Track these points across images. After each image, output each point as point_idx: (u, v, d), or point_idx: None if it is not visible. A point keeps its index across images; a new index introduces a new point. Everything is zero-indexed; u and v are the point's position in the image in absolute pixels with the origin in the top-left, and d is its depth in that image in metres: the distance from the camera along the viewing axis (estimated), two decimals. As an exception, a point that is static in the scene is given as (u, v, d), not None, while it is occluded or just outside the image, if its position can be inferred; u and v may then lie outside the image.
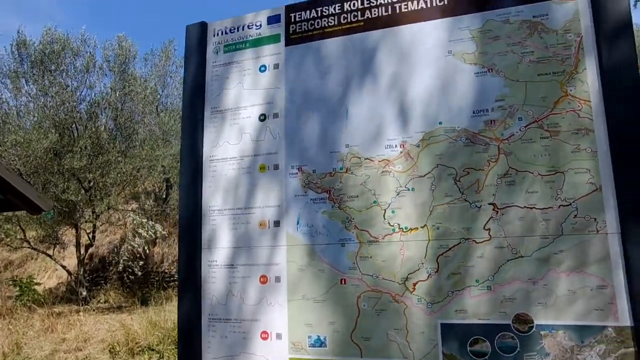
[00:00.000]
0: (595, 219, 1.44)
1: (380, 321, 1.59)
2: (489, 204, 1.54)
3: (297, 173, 1.78)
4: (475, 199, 1.56)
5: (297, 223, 1.74)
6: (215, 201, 1.88)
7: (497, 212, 1.53)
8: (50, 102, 9.56)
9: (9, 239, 11.45)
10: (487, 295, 1.50)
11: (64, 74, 10.00)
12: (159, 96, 12.44)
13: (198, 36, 2.05)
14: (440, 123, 1.63)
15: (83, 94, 10.15)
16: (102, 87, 10.33)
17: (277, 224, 1.78)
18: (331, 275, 1.67)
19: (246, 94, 1.92)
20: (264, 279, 1.76)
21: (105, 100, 9.90)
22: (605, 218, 1.44)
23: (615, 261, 1.41)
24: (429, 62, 1.68)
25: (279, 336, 1.71)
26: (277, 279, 1.74)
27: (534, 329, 1.45)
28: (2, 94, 10.30)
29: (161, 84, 13.32)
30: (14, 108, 10.20)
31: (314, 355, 1.66)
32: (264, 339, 1.73)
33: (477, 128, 1.59)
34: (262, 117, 1.87)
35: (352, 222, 1.67)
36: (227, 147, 1.91)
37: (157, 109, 12.22)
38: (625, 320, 1.39)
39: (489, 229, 1.53)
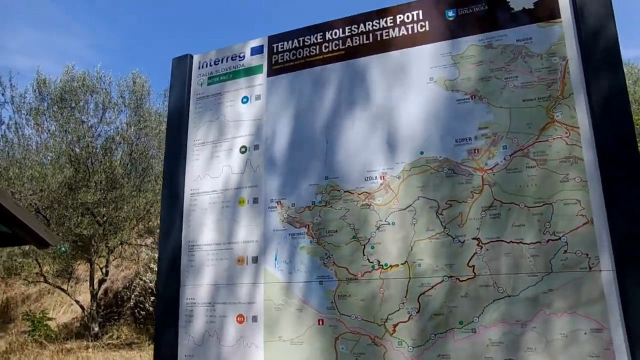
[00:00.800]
0: (587, 255, 1.33)
1: (359, 366, 1.48)
2: (473, 238, 1.44)
3: (276, 207, 1.71)
4: (459, 233, 1.46)
5: (275, 259, 1.66)
6: (195, 236, 1.82)
7: (482, 247, 1.42)
8: (68, 137, 9.77)
9: (25, 273, 11.54)
10: (472, 339, 1.38)
11: (82, 110, 10.25)
12: (175, 131, 12.62)
13: (183, 69, 2.03)
14: (421, 153, 1.55)
15: (99, 129, 10.37)
16: (118, 123, 10.55)
17: (255, 260, 1.70)
18: (309, 315, 1.57)
19: (228, 125, 1.88)
20: (240, 319, 1.67)
21: (121, 136, 10.08)
22: (598, 253, 1.32)
23: (610, 301, 1.29)
24: (411, 90, 1.62)
25: (255, 381, 1.60)
26: (254, 319, 1.65)
27: (523, 376, 1.31)
28: (24, 131, 10.60)
29: (178, 119, 13.54)
30: (34, 144, 10.46)
31: (291, 402, 1.54)
32: (240, 383, 1.62)
33: (460, 157, 1.51)
34: (243, 149, 1.82)
35: (330, 259, 1.58)
36: (208, 180, 1.85)
37: (172, 143, 12.37)
38: (625, 368, 1.25)
39: (473, 266, 1.42)
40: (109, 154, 9.86)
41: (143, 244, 11.47)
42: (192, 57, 2.05)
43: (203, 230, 1.81)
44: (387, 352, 1.45)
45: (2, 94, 10.36)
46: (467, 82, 1.56)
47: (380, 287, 1.50)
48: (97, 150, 9.89)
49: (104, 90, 10.29)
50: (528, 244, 1.38)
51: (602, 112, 1.38)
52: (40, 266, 11.28)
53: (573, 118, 1.42)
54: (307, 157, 1.71)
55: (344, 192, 1.62)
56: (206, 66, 2.01)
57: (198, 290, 1.76)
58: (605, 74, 1.40)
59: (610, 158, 1.35)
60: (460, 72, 1.57)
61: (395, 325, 1.46)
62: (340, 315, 1.53)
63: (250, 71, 1.90)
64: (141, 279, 10.04)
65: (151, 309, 9.99)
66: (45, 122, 10.80)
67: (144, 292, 10.24)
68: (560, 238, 1.36)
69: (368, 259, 1.53)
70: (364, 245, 1.55)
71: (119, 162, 10.00)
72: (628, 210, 1.31)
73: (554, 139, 1.42)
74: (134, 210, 9.80)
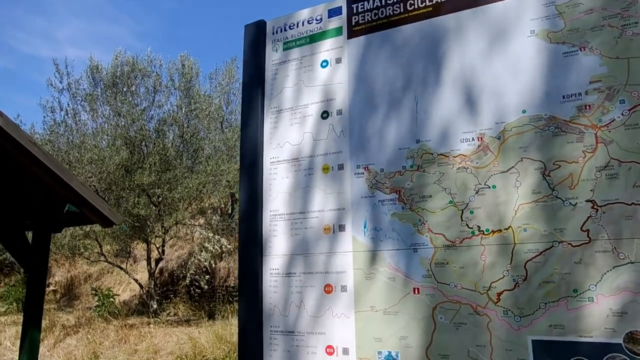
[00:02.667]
0: None
1: (459, 336, 1.41)
2: (587, 201, 1.32)
3: (363, 173, 1.64)
4: (569, 195, 1.34)
5: (364, 227, 1.60)
6: (277, 205, 1.78)
7: (597, 210, 1.31)
8: (122, 121, 10.07)
9: (87, 253, 12.12)
10: (590, 308, 1.28)
11: (134, 94, 10.52)
12: (223, 113, 12.79)
13: (256, 35, 1.98)
14: (524, 112, 1.44)
15: (151, 112, 10.62)
16: (169, 106, 10.78)
17: (342, 228, 1.64)
18: (403, 284, 1.51)
19: (307, 91, 1.82)
20: (329, 289, 1.63)
21: (172, 118, 10.29)
22: None
23: None
24: (509, 45, 1.50)
25: (345, 351, 1.57)
26: (343, 288, 1.60)
27: (651, 349, 1.21)
28: (81, 116, 11.03)
29: (225, 101, 13.70)
30: (91, 128, 10.86)
31: (385, 372, 1.50)
32: (330, 354, 1.59)
33: (568, 115, 1.39)
34: (325, 115, 1.76)
35: (425, 225, 1.51)
36: (288, 148, 1.81)
37: (221, 125, 12.56)
38: None
39: (587, 230, 1.31)
40: (161, 136, 10.11)
41: (197, 224, 11.77)
42: (265, 22, 2.00)
43: (285, 199, 1.77)
44: (492, 321, 1.37)
45: (60, 82, 10.76)
46: (574, 34, 1.42)
47: (481, 253, 1.42)
48: (150, 133, 10.14)
49: (154, 73, 10.50)
50: (653, 205, 1.26)
51: None
52: (100, 246, 11.81)
53: None
54: (395, 120, 1.63)
55: (438, 155, 1.53)
56: (280, 31, 1.95)
57: (282, 260, 1.73)
58: None
59: None
60: (566, 23, 1.44)
61: (499, 294, 1.38)
62: (437, 283, 1.46)
63: (328, 34, 1.83)
64: (196, 258, 10.33)
65: (206, 287, 10.28)
66: (100, 107, 11.18)
67: (198, 271, 10.53)
68: (691, 198, 1.23)
69: (467, 225, 1.45)
70: (462, 211, 1.47)
71: (171, 144, 10.24)
72: None
73: (681, 89, 1.28)
74: (187, 191, 10.04)
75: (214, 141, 11.65)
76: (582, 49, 1.41)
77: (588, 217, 1.32)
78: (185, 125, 10.53)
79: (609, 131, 1.33)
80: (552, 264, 1.34)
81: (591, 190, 1.33)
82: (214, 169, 10.55)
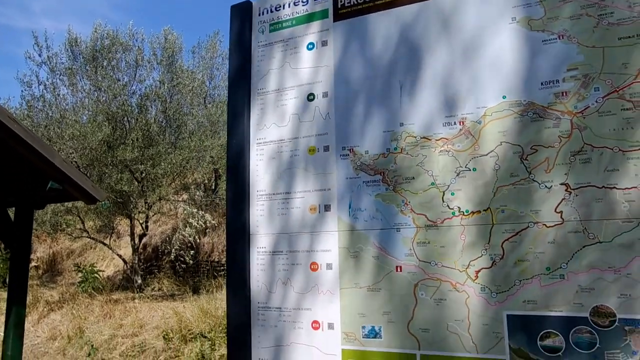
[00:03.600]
0: (688, 200, 1.27)
1: (439, 311, 1.49)
2: (561, 184, 1.39)
3: (348, 154, 1.69)
4: (545, 178, 1.41)
5: (349, 207, 1.66)
6: (263, 185, 1.82)
7: (571, 193, 1.38)
8: (103, 96, 9.90)
9: (69, 229, 12.04)
10: (560, 285, 1.36)
11: (115, 68, 10.32)
12: (206, 88, 12.64)
13: (242, 16, 1.98)
14: (504, 97, 1.49)
15: (133, 87, 10.45)
16: (151, 81, 10.61)
17: (327, 208, 1.69)
18: (386, 262, 1.58)
19: (293, 73, 1.84)
20: (314, 266, 1.69)
21: (155, 93, 10.14)
22: (700, 198, 1.26)
23: None
24: (491, 32, 1.54)
25: (330, 326, 1.64)
26: (329, 266, 1.66)
27: (616, 323, 1.30)
28: (60, 91, 10.79)
29: (208, 76, 13.53)
30: (70, 104, 10.65)
31: (368, 346, 1.57)
32: (315, 329, 1.66)
33: (546, 101, 1.44)
34: (311, 97, 1.79)
35: (407, 206, 1.57)
36: (274, 130, 1.84)
37: (205, 100, 12.43)
38: None
39: (561, 212, 1.38)
40: (143, 112, 9.98)
41: (180, 199, 11.75)
42: (251, 4, 2.00)
43: (272, 180, 1.81)
44: (469, 298, 1.45)
45: (39, 55, 10.48)
46: (553, 22, 1.47)
47: (461, 233, 1.48)
48: (133, 109, 10.00)
49: (136, 47, 10.29)
50: (622, 189, 1.33)
51: None
52: (83, 222, 11.73)
53: (676, 55, 1.33)
54: (379, 104, 1.66)
55: (421, 138, 1.58)
56: (267, 12, 1.96)
57: (269, 239, 1.78)
58: None
59: None
60: (547, 11, 1.48)
61: (477, 272, 1.45)
62: (419, 262, 1.53)
63: (314, 16, 1.84)
64: (180, 234, 10.35)
65: (191, 262, 10.34)
66: (80, 82, 10.95)
67: (183, 246, 10.57)
68: (658, 182, 1.30)
69: (448, 206, 1.51)
70: (443, 192, 1.53)
71: (153, 119, 10.12)
72: None
73: (653, 78, 1.34)
74: (171, 167, 9.99)
75: (197, 117, 11.54)
76: (561, 37, 1.45)
77: (562, 200, 1.39)
78: (168, 100, 10.40)
79: (584, 117, 1.39)
80: (528, 243, 1.41)
81: (565, 173, 1.39)
82: (197, 144, 10.49)
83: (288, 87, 1.84)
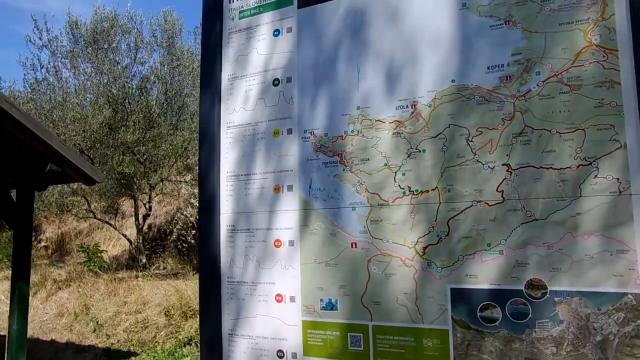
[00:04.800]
0: (618, 179, 1.34)
1: (389, 285, 1.58)
2: (503, 164, 1.47)
3: (309, 137, 1.77)
4: (489, 159, 1.48)
5: (310, 187, 1.74)
6: (232, 167, 1.91)
7: (511, 173, 1.45)
8: (104, 79, 9.98)
9: (75, 210, 12.26)
10: (499, 260, 1.44)
11: (115, 51, 10.37)
12: (207, 69, 12.62)
13: (214, 4, 2.04)
14: (452, 81, 1.56)
15: (134, 69, 10.51)
16: (152, 63, 10.66)
17: (290, 188, 1.78)
18: (342, 239, 1.67)
19: (261, 59, 1.91)
20: (278, 243, 1.78)
21: (155, 75, 10.20)
22: (629, 178, 1.33)
23: (639, 224, 1.31)
24: (442, 17, 1.59)
25: (292, 299, 1.74)
26: (291, 243, 1.76)
27: (547, 295, 1.38)
28: (62, 74, 10.88)
29: (210, 57, 13.49)
30: (73, 87, 10.74)
31: (326, 318, 1.68)
32: (279, 301, 1.76)
33: (491, 85, 1.50)
34: (276, 82, 1.86)
35: (363, 186, 1.65)
36: (242, 114, 1.92)
37: (206, 82, 12.43)
38: (648, 286, 1.29)
39: (502, 191, 1.46)
40: (144, 94, 10.06)
41: (182, 180, 11.90)
42: (223, -10, 2.05)
43: (240, 161, 1.90)
44: (417, 272, 1.54)
45: (40, 38, 10.55)
46: (500, 7, 1.52)
47: (411, 212, 1.57)
48: (133, 91, 10.08)
49: (135, 30, 10.31)
50: (558, 169, 1.40)
51: (643, 33, 1.33)
52: (88, 203, 11.94)
53: (612, 41, 1.38)
54: (339, 88, 1.73)
55: (376, 121, 1.66)
56: (236, 0, 2.01)
57: (237, 217, 1.88)
58: (649, -8, 1.34)
59: (648, 81, 1.33)
60: (495, -4, 1.53)
61: (425, 248, 1.54)
62: (372, 239, 1.61)
63: (280, 3, 1.90)
64: (182, 214, 10.52)
65: (192, 241, 10.53)
66: (81, 64, 11.02)
67: (185, 226, 10.75)
68: (591, 163, 1.37)
69: (399, 186, 1.59)
70: (395, 173, 1.60)
71: (154, 101, 10.20)
72: (663, 134, 1.30)
73: (590, 63, 1.40)
74: (172, 148, 10.11)
75: (198, 98, 11.59)
76: (507, 23, 1.51)
77: (503, 179, 1.46)
78: (169, 82, 10.46)
79: (525, 100, 1.46)
80: (471, 221, 1.49)
81: (507, 154, 1.46)
82: (198, 126, 10.55)
83: (255, 73, 1.91)
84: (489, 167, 1.48)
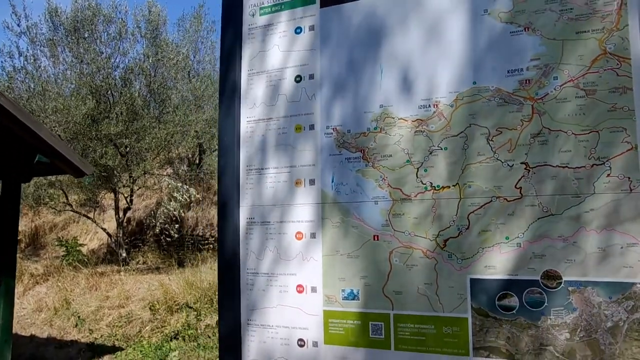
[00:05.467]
0: (629, 178, 1.45)
1: (411, 276, 1.66)
2: (521, 163, 1.56)
3: (332, 133, 1.83)
4: (508, 157, 1.58)
5: (332, 181, 1.81)
6: (253, 161, 1.96)
7: (529, 171, 1.55)
8: (86, 69, 9.79)
9: (53, 202, 12.01)
10: (517, 252, 1.54)
11: (98, 41, 10.18)
12: (191, 62, 12.54)
13: (233, 0, 2.08)
14: (474, 83, 1.64)
15: (117, 60, 10.34)
16: (135, 54, 10.51)
17: (312, 182, 1.84)
18: (364, 231, 1.74)
19: (282, 56, 1.96)
20: (299, 235, 1.84)
21: (139, 67, 10.06)
22: (639, 177, 1.44)
23: (647, 219, 1.42)
24: (465, 22, 1.68)
25: (313, 289, 1.80)
26: (313, 235, 1.82)
27: (562, 285, 1.49)
28: (41, 62, 10.62)
29: (193, 49, 13.37)
30: (52, 76, 10.50)
31: (347, 307, 1.75)
32: (300, 292, 1.82)
33: (511, 87, 1.60)
34: (298, 79, 1.92)
35: (385, 181, 1.72)
36: (263, 108, 1.97)
37: (189, 74, 12.35)
38: (655, 277, 1.41)
39: (520, 188, 1.55)
40: (128, 86, 9.92)
41: (165, 173, 11.79)
42: (242, -13, 2.09)
43: (261, 155, 1.95)
44: (438, 264, 1.63)
45: (18, 25, 10.27)
46: (521, 15, 1.61)
47: (432, 206, 1.65)
48: (117, 82, 9.92)
49: (120, 19, 10.15)
50: (573, 168, 1.50)
51: (654, 44, 1.44)
52: (66, 196, 11.71)
53: (626, 50, 1.49)
54: (361, 86, 1.80)
55: (398, 119, 1.73)
56: (257, -4, 2.06)
57: (258, 210, 1.93)
58: (660, 5, 1.45)
59: (658, 88, 1.44)
60: (515, 5, 1.62)
61: (445, 241, 1.62)
62: (394, 231, 1.69)
63: (303, 2, 1.95)
64: (166, 208, 10.44)
65: (176, 235, 10.46)
66: (61, 53, 10.78)
67: (167, 220, 10.67)
68: (604, 163, 1.47)
69: (421, 181, 1.67)
70: (417, 169, 1.68)
71: (138, 93, 10.07)
72: (671, 137, 1.41)
73: (604, 70, 1.50)
74: (155, 141, 10.00)
75: (181, 91, 11.50)
76: (527, 29, 1.60)
77: (521, 177, 1.56)
78: (153, 74, 10.33)
79: (543, 103, 1.55)
80: (490, 215, 1.58)
81: (525, 153, 1.56)
82: (182, 119, 10.49)
83: (276, 69, 1.96)
84: (508, 165, 1.57)
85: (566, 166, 1.51)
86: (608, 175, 1.47)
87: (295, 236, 1.85)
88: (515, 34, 1.61)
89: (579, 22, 1.54)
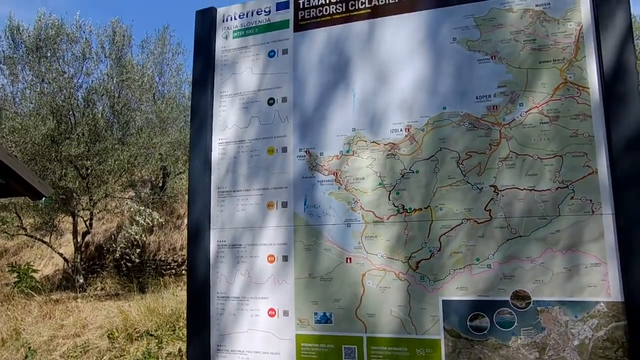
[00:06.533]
0: (591, 201, 1.51)
1: (384, 298, 1.66)
2: (490, 185, 1.61)
3: (304, 155, 1.84)
4: (477, 180, 1.62)
5: (305, 204, 1.80)
6: (224, 183, 1.94)
7: (498, 193, 1.60)
8: (47, 88, 9.53)
9: (5, 226, 11.46)
10: (487, 273, 1.57)
11: (60, 60, 9.95)
12: (155, 84, 12.39)
13: (206, 22, 2.09)
14: (444, 108, 1.69)
15: (80, 80, 10.12)
16: (99, 74, 10.31)
17: (284, 205, 1.84)
18: (337, 254, 1.74)
19: (255, 78, 1.97)
20: (271, 258, 1.82)
21: (102, 87, 9.87)
22: (600, 199, 1.51)
23: (608, 240, 1.49)
24: (435, 49, 1.74)
25: (285, 313, 1.78)
26: (285, 258, 1.80)
27: (531, 304, 1.52)
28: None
29: (158, 71, 13.24)
30: (9, 95, 10.17)
31: (320, 331, 1.73)
32: (272, 316, 1.80)
33: (479, 113, 1.65)
34: (271, 102, 1.92)
35: (357, 203, 1.74)
36: (236, 130, 1.96)
37: (154, 96, 12.18)
38: (617, 295, 1.46)
39: (489, 210, 1.60)
40: (90, 106, 9.69)
41: (127, 196, 11.48)
42: (215, 10, 2.11)
43: (232, 177, 1.93)
44: (410, 285, 1.64)
45: (-24, 41, 9.93)
46: (488, 44, 1.68)
47: (404, 228, 1.67)
48: (79, 102, 9.69)
49: (83, 39, 9.97)
50: (539, 190, 1.56)
51: (611, 74, 1.53)
52: (20, 219, 11.21)
53: (584, 79, 1.57)
54: (334, 110, 1.82)
55: (371, 142, 1.76)
56: (230, 20, 2.07)
57: (229, 233, 1.90)
58: (615, 39, 1.54)
59: (616, 115, 1.52)
60: (482, 34, 1.69)
61: (418, 262, 1.64)
62: (367, 254, 1.70)
63: (276, 26, 1.98)
64: (126, 231, 10.12)
65: (137, 260, 10.13)
66: (21, 72, 10.48)
67: (129, 245, 10.34)
68: (568, 186, 1.54)
69: (394, 204, 1.69)
70: (390, 192, 1.71)
71: (101, 114, 9.85)
72: (628, 163, 1.49)
73: (566, 98, 1.58)
74: (118, 164, 9.75)
75: (146, 113, 11.32)
76: (493, 58, 1.67)
77: (490, 199, 1.60)
78: (116, 95, 10.14)
79: (510, 128, 1.62)
80: (461, 237, 1.61)
81: (494, 177, 1.61)
82: (145, 141, 10.30)
83: (250, 91, 1.97)
84: (477, 187, 1.62)
85: (533, 189, 1.57)
86: (572, 197, 1.53)
87: (267, 259, 1.83)
88: (483, 61, 1.68)
89: (541, 52, 1.62)
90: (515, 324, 1.53)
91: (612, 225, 1.49)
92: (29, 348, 7.43)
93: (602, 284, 1.48)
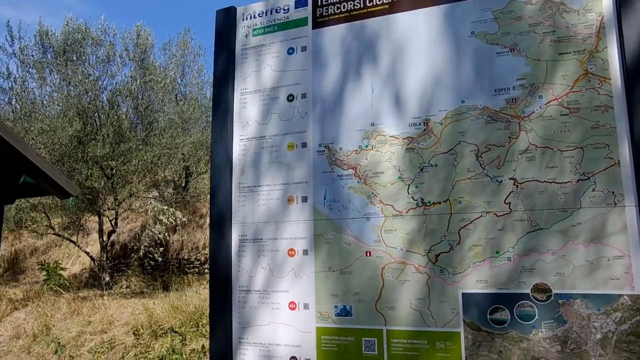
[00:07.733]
0: (613, 193, 1.50)
1: (403, 291, 1.67)
2: (510, 178, 1.60)
3: (324, 150, 1.86)
4: (497, 173, 1.62)
5: (324, 198, 1.83)
6: (245, 178, 1.97)
7: (518, 186, 1.59)
8: (73, 91, 9.77)
9: (35, 226, 11.80)
10: (507, 266, 1.57)
11: (86, 63, 10.20)
12: (177, 85, 12.59)
13: (227, 21, 2.13)
14: (462, 101, 1.69)
15: (105, 83, 10.35)
16: (122, 77, 10.54)
17: (304, 199, 1.86)
18: (357, 248, 1.75)
19: (275, 75, 2.00)
20: (292, 252, 1.85)
21: (126, 89, 10.08)
22: (623, 191, 1.49)
23: (632, 232, 1.47)
24: (453, 43, 1.74)
25: (306, 306, 1.80)
26: (305, 252, 1.83)
27: (552, 297, 1.51)
28: (28, 84, 10.57)
29: (179, 73, 13.46)
30: (38, 97, 10.46)
31: (340, 324, 1.75)
32: (292, 309, 1.82)
33: (498, 106, 1.65)
34: (291, 98, 1.95)
35: (377, 197, 1.75)
36: (256, 127, 1.99)
37: (176, 97, 12.38)
38: (641, 288, 1.45)
39: (509, 203, 1.59)
40: (115, 108, 9.90)
41: (151, 196, 11.69)
42: (235, 9, 2.14)
43: (253, 173, 1.97)
44: (430, 279, 1.64)
45: (11, 46, 10.26)
46: (506, 36, 1.68)
47: (423, 222, 1.68)
48: (104, 104, 9.91)
49: (108, 42, 10.20)
50: (560, 183, 1.55)
51: (634, 64, 1.51)
52: (49, 219, 11.52)
53: (606, 70, 1.55)
54: (353, 105, 1.84)
55: (389, 136, 1.77)
56: (250, 18, 2.11)
57: (250, 227, 1.94)
58: (638, 29, 1.52)
59: (639, 106, 1.50)
60: (500, 27, 1.69)
61: (437, 255, 1.65)
62: (386, 247, 1.71)
63: (295, 23, 2.01)
64: (150, 231, 10.31)
65: (160, 259, 10.31)
66: (49, 75, 10.76)
67: (152, 244, 10.53)
68: (589, 178, 1.52)
69: (412, 197, 1.70)
70: (409, 185, 1.72)
71: (125, 115, 10.05)
72: (652, 153, 1.47)
73: (586, 89, 1.56)
74: (142, 164, 9.94)
75: (168, 114, 11.51)
76: (512, 50, 1.66)
77: (510, 192, 1.60)
78: (140, 97, 10.34)
79: (530, 121, 1.61)
80: (481, 230, 1.61)
81: (514, 169, 1.60)
82: (168, 141, 10.47)
83: (269, 88, 2.00)
84: (497, 180, 1.62)
85: (553, 181, 1.56)
86: (593, 189, 1.52)
87: (288, 253, 1.86)
88: (502, 54, 1.67)
89: (561, 44, 1.61)
90: (536, 316, 1.52)
91: (635, 217, 1.47)
92: (59, 343, 7.64)
93: (626, 276, 1.46)
